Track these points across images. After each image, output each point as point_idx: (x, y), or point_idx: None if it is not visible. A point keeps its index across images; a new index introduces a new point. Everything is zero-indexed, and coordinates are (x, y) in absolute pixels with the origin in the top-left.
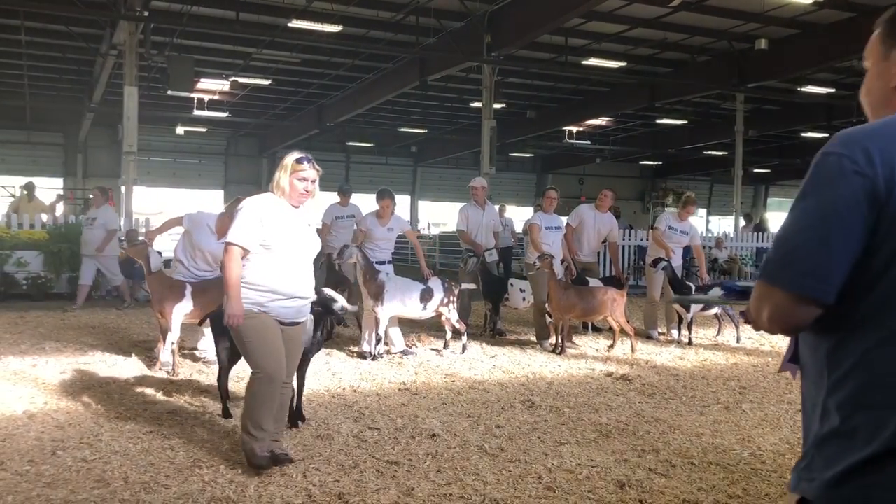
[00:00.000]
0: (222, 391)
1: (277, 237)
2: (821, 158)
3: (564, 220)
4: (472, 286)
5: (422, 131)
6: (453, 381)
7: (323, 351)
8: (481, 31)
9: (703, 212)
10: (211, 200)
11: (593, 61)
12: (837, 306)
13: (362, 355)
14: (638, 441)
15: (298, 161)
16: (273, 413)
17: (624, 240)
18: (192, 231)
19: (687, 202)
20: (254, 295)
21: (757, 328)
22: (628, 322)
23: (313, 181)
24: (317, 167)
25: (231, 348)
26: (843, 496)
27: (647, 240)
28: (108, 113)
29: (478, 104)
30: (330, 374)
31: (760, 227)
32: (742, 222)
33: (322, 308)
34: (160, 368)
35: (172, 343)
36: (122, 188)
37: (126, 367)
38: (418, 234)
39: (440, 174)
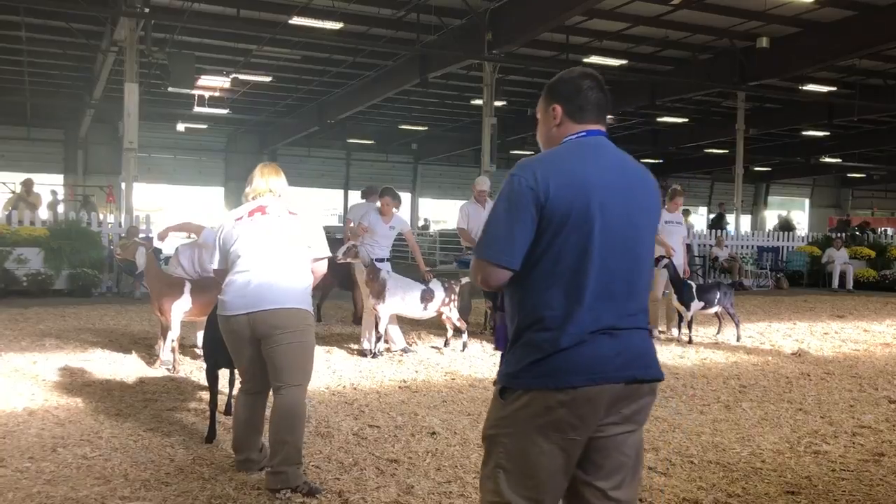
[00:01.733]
0: (232, 387)
1: None
2: (509, 177)
3: None
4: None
5: (422, 129)
6: (453, 379)
7: (323, 348)
8: (482, 28)
9: (703, 210)
10: (211, 197)
11: (594, 59)
12: (522, 272)
13: (362, 353)
14: None
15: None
16: None
17: None
18: (203, 247)
19: (674, 194)
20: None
21: (479, 285)
22: None
23: None
24: None
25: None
26: (523, 379)
27: None
28: (109, 109)
29: (479, 102)
30: (330, 371)
31: (787, 227)
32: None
33: None
34: (160, 366)
35: (172, 340)
36: (123, 185)
37: (126, 365)
38: (421, 230)
39: (441, 172)
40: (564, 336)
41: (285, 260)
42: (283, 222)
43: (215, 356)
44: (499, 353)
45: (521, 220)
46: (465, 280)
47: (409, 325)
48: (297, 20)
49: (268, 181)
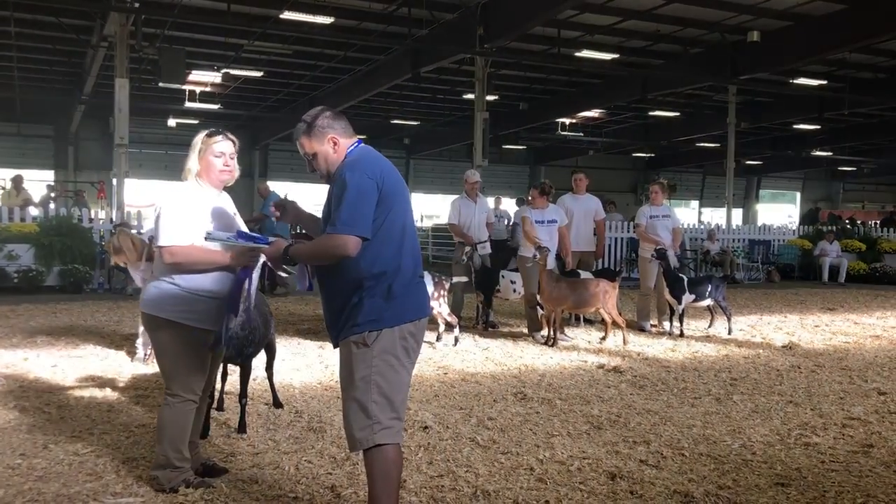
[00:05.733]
0: (224, 382)
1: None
2: (350, 174)
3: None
4: (464, 279)
5: (414, 123)
6: (445, 374)
7: (315, 343)
8: (474, 22)
9: (695, 203)
10: None
11: (586, 53)
12: (368, 240)
13: None
14: (629, 433)
15: (210, 134)
16: None
17: (616, 232)
18: None
19: (653, 186)
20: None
21: (336, 255)
22: (620, 314)
23: (232, 156)
24: (232, 138)
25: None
26: (386, 320)
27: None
28: (100, 105)
29: (470, 96)
30: (322, 366)
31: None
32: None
33: None
34: (134, 360)
35: None
36: (114, 181)
37: (118, 361)
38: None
39: (433, 166)
40: (403, 281)
41: (157, 261)
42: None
43: None
44: (489, 348)
45: (370, 203)
46: (456, 279)
47: None
48: (288, 15)
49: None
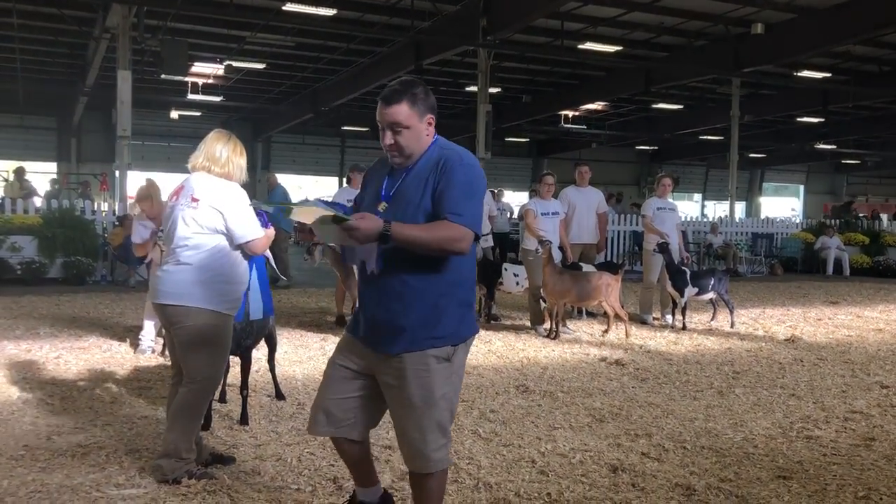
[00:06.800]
0: (226, 375)
1: None
2: (475, 166)
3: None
4: None
5: None
6: None
7: (318, 335)
8: (477, 14)
9: (698, 196)
10: None
11: (589, 45)
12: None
13: None
14: (631, 425)
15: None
16: None
17: (619, 225)
18: None
19: (660, 180)
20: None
21: (451, 248)
22: (623, 307)
23: None
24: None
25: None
26: (464, 333)
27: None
28: (102, 97)
29: (473, 88)
30: (325, 358)
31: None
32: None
33: None
34: (138, 353)
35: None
36: (117, 172)
37: (121, 352)
38: None
39: None
40: (470, 290)
41: (181, 252)
42: (184, 211)
43: None
44: (492, 340)
45: (481, 205)
46: None
47: None
48: (290, 7)
49: (206, 154)
